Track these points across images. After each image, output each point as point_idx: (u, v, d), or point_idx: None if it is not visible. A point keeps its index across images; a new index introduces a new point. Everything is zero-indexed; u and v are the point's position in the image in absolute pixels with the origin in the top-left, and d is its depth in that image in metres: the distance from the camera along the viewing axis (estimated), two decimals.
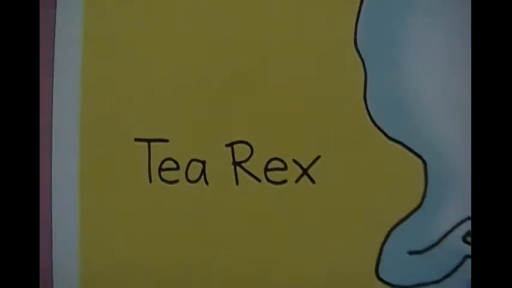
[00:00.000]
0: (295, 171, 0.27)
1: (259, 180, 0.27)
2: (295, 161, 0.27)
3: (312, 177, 0.27)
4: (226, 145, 0.27)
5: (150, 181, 0.27)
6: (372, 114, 0.27)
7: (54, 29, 0.33)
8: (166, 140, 0.28)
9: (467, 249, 0.27)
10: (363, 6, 0.28)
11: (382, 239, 0.27)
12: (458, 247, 0.27)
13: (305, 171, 0.27)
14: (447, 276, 0.27)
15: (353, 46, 0.27)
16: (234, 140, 0.27)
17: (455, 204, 0.27)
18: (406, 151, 0.27)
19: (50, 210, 0.31)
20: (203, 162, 0.27)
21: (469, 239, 0.28)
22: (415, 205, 0.27)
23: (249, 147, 0.27)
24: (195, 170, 0.27)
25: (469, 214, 0.28)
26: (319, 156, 0.27)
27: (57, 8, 0.32)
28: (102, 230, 0.30)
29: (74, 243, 0.30)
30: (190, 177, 0.27)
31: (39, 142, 0.31)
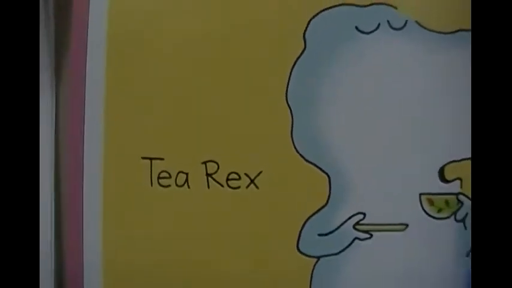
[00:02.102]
0: (246, 180, 0.35)
1: (223, 186, 0.35)
2: (246, 174, 0.35)
3: (257, 184, 0.35)
4: (202, 162, 0.36)
5: (152, 185, 0.35)
6: (295, 145, 0.35)
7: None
8: (163, 159, 0.36)
9: (356, 233, 0.35)
10: (292, 72, 0.35)
11: (300, 226, 0.35)
12: (350, 232, 0.35)
13: (252, 181, 0.35)
14: (342, 250, 0.35)
15: (284, 99, 0.35)
16: (207, 160, 0.36)
17: (349, 204, 0.35)
18: (317, 169, 0.35)
19: (81, 214, 0.37)
20: (186, 174, 0.35)
21: (357, 226, 0.35)
22: (323, 204, 0.35)
23: (216, 165, 0.36)
24: (181, 178, 0.35)
25: (359, 210, 0.36)
26: (261, 171, 0.35)
27: None
28: (122, 225, 0.36)
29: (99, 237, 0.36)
30: (178, 183, 0.35)
31: (72, 151, 0.37)
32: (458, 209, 0.35)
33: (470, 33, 0.33)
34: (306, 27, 0.35)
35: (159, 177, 0.35)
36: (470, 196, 0.35)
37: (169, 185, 0.35)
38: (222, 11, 0.36)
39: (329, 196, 0.35)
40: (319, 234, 0.35)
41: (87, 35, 0.36)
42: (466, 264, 0.35)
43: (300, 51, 0.35)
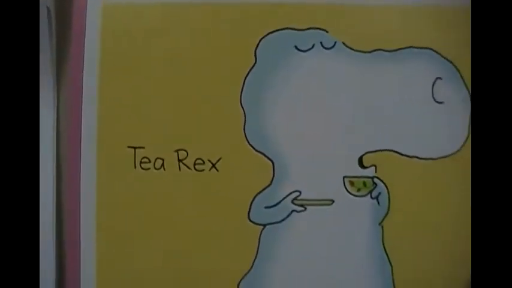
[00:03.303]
0: (208, 165, 0.38)
1: (191, 169, 0.38)
2: (209, 160, 0.38)
3: (217, 168, 0.38)
4: (175, 150, 0.39)
5: (135, 168, 0.38)
6: (247, 138, 0.38)
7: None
8: (144, 147, 0.39)
9: (293, 207, 0.38)
10: (246, 81, 0.38)
11: (250, 200, 0.38)
12: (289, 205, 0.38)
13: (213, 165, 0.38)
14: (283, 220, 0.38)
15: (239, 103, 0.38)
16: (178, 148, 0.39)
17: (288, 183, 0.38)
18: (264, 157, 0.38)
19: (79, 189, 0.39)
20: (163, 159, 0.38)
21: (294, 201, 0.38)
22: (268, 183, 0.38)
23: (186, 152, 0.39)
24: (159, 163, 0.38)
25: (296, 188, 0.38)
26: (221, 158, 0.38)
27: None
28: (112, 197, 0.39)
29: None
30: (156, 167, 0.38)
31: (71, 142, 0.39)
32: (373, 189, 0.38)
33: (385, 52, 0.38)
34: (257, 46, 0.38)
35: (141, 162, 0.39)
36: (382, 179, 0.38)
37: (149, 168, 0.39)
38: (192, 33, 0.39)
39: (273, 178, 0.38)
40: (265, 207, 0.38)
41: (84, 46, 0.39)
42: (378, 231, 0.38)
43: (252, 65, 0.38)
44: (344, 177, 0.39)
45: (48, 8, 0.38)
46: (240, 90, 0.39)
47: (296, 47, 0.38)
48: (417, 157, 0.38)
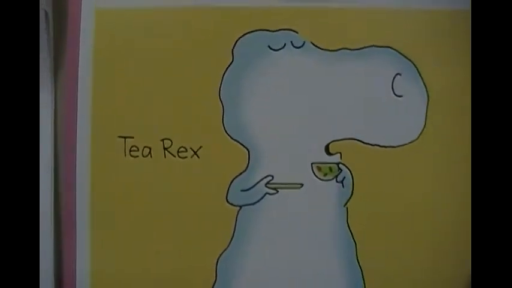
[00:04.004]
0: (190, 152, 0.40)
1: (175, 156, 0.40)
2: (191, 148, 0.40)
3: (198, 155, 0.40)
4: (160, 140, 0.40)
5: (125, 156, 0.40)
6: (225, 128, 0.40)
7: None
8: (133, 137, 0.40)
9: (266, 189, 0.40)
10: (224, 77, 0.40)
11: (228, 184, 0.40)
12: (263, 188, 0.40)
13: (195, 153, 0.40)
14: (257, 201, 0.40)
15: (218, 96, 0.40)
16: (164, 138, 0.40)
17: (262, 169, 0.40)
18: (240, 145, 0.40)
19: (74, 177, 0.41)
20: (150, 148, 0.40)
21: (267, 185, 0.40)
22: (244, 169, 0.40)
23: (170, 141, 0.40)
24: (146, 151, 0.40)
25: (269, 173, 0.40)
26: (201, 146, 0.40)
27: None
28: (105, 182, 0.40)
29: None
30: (144, 155, 0.40)
31: (68, 132, 0.41)
32: (338, 174, 0.40)
33: (350, 50, 0.40)
34: (234, 45, 0.40)
35: (130, 150, 0.41)
36: (347, 165, 0.40)
37: (137, 156, 0.41)
38: (176, 34, 0.41)
39: (248, 164, 0.40)
40: (241, 190, 0.40)
41: (78, 47, 0.41)
42: (343, 212, 0.40)
43: (230, 62, 0.40)
44: (312, 163, 0.41)
45: (46, 12, 0.40)
46: (219, 85, 0.41)
47: (269, 47, 0.41)
48: (378, 145, 0.41)
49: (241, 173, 0.41)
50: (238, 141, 0.41)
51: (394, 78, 0.40)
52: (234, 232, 0.41)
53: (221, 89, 0.41)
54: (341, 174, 0.41)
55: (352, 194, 0.41)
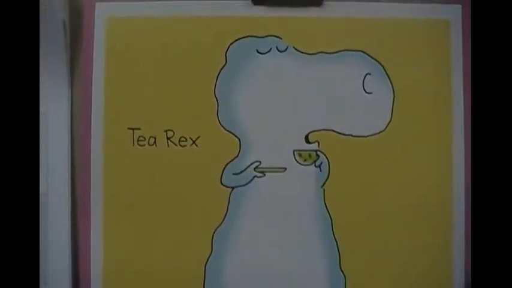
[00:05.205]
0: (190, 142, 0.43)
1: (176, 145, 0.43)
2: (190, 138, 0.43)
3: (197, 144, 0.43)
4: (164, 131, 0.43)
5: (134, 145, 0.43)
6: (219, 121, 0.43)
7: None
8: (140, 128, 0.43)
9: (255, 173, 0.43)
10: (218, 77, 0.43)
11: (222, 168, 0.43)
12: (252, 172, 0.43)
13: (194, 142, 0.43)
14: (247, 183, 0.43)
15: (213, 93, 0.43)
16: (167, 129, 0.43)
17: (251, 155, 0.43)
18: (232, 135, 0.43)
19: (89, 163, 0.43)
20: (155, 137, 0.43)
21: (255, 169, 0.42)
22: (235, 155, 0.43)
23: (172, 132, 0.43)
24: (152, 141, 0.43)
25: (257, 159, 0.42)
26: (199, 136, 0.43)
27: None
28: (117, 167, 0.43)
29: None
30: (150, 144, 0.43)
31: (83, 124, 0.43)
32: (316, 159, 0.43)
33: (326, 54, 0.43)
34: (227, 50, 0.43)
35: (138, 140, 0.43)
36: (324, 152, 0.43)
37: (144, 145, 0.43)
38: (178, 40, 0.43)
39: (239, 151, 0.44)
40: (233, 174, 0.44)
41: (92, 51, 0.43)
42: (320, 192, 0.43)
43: (223, 64, 0.43)
44: (294, 150, 0.44)
45: (63, 21, 0.43)
46: (214, 84, 0.44)
47: (257, 51, 0.44)
48: (351, 135, 0.44)
49: (233, 159, 0.44)
50: (231, 132, 0.44)
51: (364, 78, 0.44)
52: (227, 210, 0.44)
53: (216, 87, 0.44)
54: (319, 159, 0.44)
55: (328, 177, 0.44)
